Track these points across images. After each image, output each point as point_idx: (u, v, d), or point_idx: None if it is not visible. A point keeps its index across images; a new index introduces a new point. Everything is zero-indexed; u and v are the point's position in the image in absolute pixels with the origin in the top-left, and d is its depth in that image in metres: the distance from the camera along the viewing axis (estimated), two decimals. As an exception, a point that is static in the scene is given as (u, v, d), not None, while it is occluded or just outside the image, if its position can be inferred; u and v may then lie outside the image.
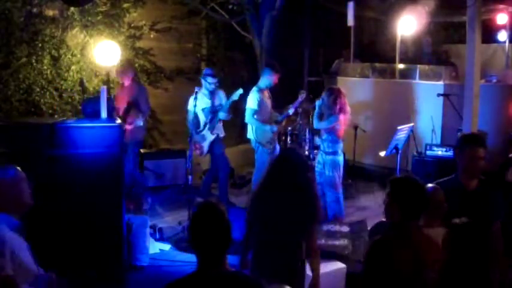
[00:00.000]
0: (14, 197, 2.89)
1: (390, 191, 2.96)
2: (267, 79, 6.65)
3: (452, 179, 3.74)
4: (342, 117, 6.10)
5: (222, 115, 6.85)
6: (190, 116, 6.78)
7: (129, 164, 7.03)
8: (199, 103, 6.80)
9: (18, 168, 3.00)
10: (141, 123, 7.03)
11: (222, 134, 7.03)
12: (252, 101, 6.58)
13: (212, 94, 6.90)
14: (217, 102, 6.90)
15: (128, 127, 6.81)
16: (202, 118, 6.94)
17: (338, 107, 6.08)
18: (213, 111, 6.88)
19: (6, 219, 2.85)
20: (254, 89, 6.65)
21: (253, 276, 2.56)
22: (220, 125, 6.98)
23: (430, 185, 3.43)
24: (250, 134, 6.71)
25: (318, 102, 6.30)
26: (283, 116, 6.82)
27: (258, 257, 3.52)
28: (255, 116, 6.55)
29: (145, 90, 7.54)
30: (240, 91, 6.65)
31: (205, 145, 7.00)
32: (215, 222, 2.38)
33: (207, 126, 6.92)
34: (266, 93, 6.71)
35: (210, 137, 6.94)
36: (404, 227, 2.91)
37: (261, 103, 6.56)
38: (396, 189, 2.96)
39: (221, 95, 6.94)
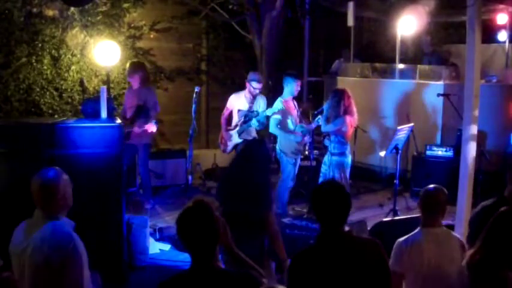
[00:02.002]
0: (69, 197, 2.94)
1: (310, 201, 2.82)
2: (289, 88, 6.54)
3: (499, 201, 3.53)
4: (348, 118, 6.07)
5: (254, 124, 6.75)
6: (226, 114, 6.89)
7: (142, 166, 6.98)
8: (238, 103, 6.81)
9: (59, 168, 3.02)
10: (155, 129, 6.75)
11: (250, 137, 6.92)
12: (274, 111, 6.49)
13: (253, 98, 6.83)
14: (255, 108, 6.83)
15: (136, 130, 6.60)
16: (235, 118, 6.90)
17: (342, 108, 6.06)
18: (247, 115, 6.83)
19: (68, 222, 2.90)
20: (278, 99, 6.57)
21: (244, 272, 2.57)
22: (251, 129, 6.84)
23: (432, 185, 3.43)
24: (276, 143, 6.66)
25: (325, 106, 6.29)
26: (310, 127, 6.62)
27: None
28: (279, 126, 6.47)
29: (154, 93, 7.28)
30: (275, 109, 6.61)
31: (230, 144, 6.95)
32: (200, 219, 2.39)
33: (238, 128, 6.90)
34: (291, 103, 6.61)
35: (236, 139, 6.89)
36: (329, 237, 2.71)
37: (284, 113, 6.47)
38: (313, 199, 2.78)
39: (261, 102, 6.83)
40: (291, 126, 6.53)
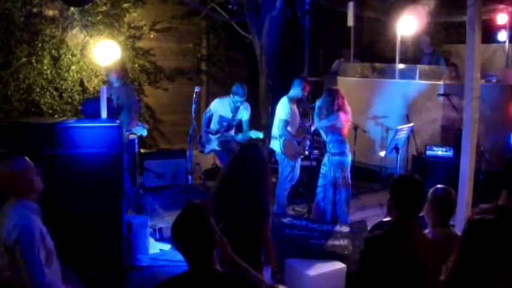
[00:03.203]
0: (30, 183, 3.12)
1: (390, 190, 3.00)
2: (298, 90, 6.55)
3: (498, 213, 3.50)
4: (341, 114, 6.08)
5: (239, 137, 6.81)
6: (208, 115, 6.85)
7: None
8: (221, 108, 6.78)
9: (26, 158, 3.20)
10: (145, 133, 6.70)
11: (228, 147, 6.93)
12: (283, 112, 6.46)
13: (236, 108, 6.84)
14: (237, 117, 6.86)
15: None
16: (214, 122, 6.88)
17: (336, 107, 6.08)
18: (228, 123, 6.86)
19: (27, 205, 3.09)
20: (285, 99, 6.54)
21: (244, 276, 2.57)
22: (232, 140, 6.88)
23: (440, 185, 3.44)
24: (276, 145, 6.58)
25: (317, 103, 6.30)
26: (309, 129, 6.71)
27: None
28: (288, 128, 6.45)
29: (134, 91, 7.04)
30: (260, 135, 6.66)
31: (208, 147, 6.96)
32: (194, 225, 2.38)
33: (218, 135, 6.89)
34: (294, 104, 6.64)
35: (215, 146, 6.89)
36: (402, 226, 2.91)
37: (292, 114, 6.47)
38: (394, 188, 2.98)
39: (243, 111, 6.84)
40: (293, 126, 6.58)
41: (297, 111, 6.66)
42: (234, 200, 3.64)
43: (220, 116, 6.82)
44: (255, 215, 3.64)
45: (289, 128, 6.45)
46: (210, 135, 6.89)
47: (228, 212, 3.58)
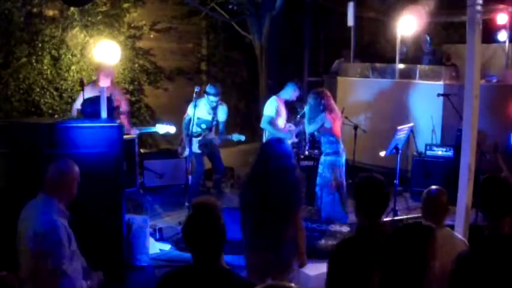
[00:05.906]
0: (73, 189, 3.21)
1: (353, 192, 3.01)
2: (289, 92, 6.71)
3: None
4: (328, 114, 6.08)
5: (215, 140, 6.91)
6: (187, 119, 6.82)
7: None
8: (198, 110, 6.77)
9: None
10: (173, 130, 6.74)
11: (207, 149, 6.99)
12: (269, 108, 6.62)
13: (213, 109, 6.87)
14: (216, 118, 6.92)
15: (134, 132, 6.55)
16: (195, 124, 6.80)
17: (322, 108, 6.10)
18: (208, 126, 6.89)
19: (62, 210, 3.12)
20: (273, 97, 6.71)
21: (246, 277, 2.58)
22: (213, 144, 6.97)
23: (434, 186, 3.42)
24: (264, 139, 6.73)
25: (306, 108, 6.33)
26: (294, 130, 6.82)
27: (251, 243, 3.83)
28: (271, 123, 6.58)
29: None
30: (242, 138, 6.75)
31: (187, 150, 6.93)
32: (209, 223, 2.37)
33: (200, 138, 6.87)
34: (283, 104, 6.74)
35: (195, 149, 6.88)
36: (367, 228, 2.90)
37: (277, 111, 6.60)
38: (356, 190, 2.97)
39: (221, 111, 6.89)
40: (281, 125, 6.65)
41: (284, 112, 6.74)
42: (264, 189, 3.71)
43: (198, 118, 6.81)
44: (285, 199, 3.72)
45: (271, 123, 6.56)
46: (193, 138, 6.86)
47: (258, 199, 3.70)
